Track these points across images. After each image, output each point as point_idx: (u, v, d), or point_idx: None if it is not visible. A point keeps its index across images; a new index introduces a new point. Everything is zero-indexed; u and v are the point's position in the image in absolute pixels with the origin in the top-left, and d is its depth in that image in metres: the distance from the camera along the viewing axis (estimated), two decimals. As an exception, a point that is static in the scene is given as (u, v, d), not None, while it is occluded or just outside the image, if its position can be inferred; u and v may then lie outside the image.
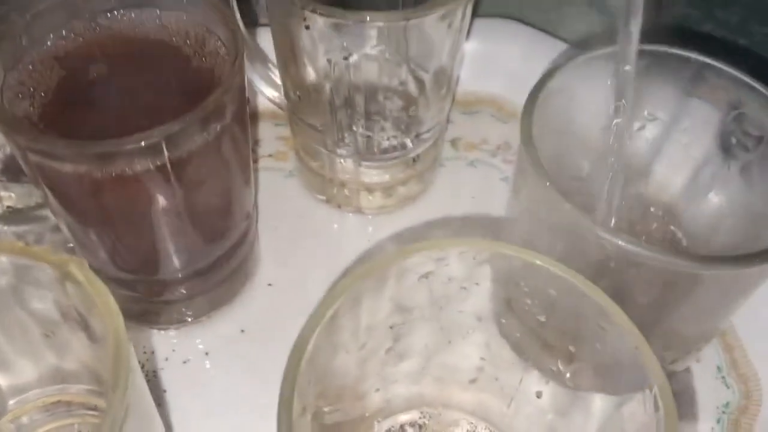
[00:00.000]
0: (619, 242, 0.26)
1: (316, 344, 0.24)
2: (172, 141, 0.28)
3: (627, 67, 0.30)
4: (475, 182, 0.47)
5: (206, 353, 0.38)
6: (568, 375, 0.29)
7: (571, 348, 0.28)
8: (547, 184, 0.28)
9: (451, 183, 0.47)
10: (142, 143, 0.28)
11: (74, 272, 0.24)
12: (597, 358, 0.26)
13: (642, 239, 0.28)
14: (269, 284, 0.41)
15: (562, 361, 0.28)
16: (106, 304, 0.23)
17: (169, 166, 0.29)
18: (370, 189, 0.44)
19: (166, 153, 0.28)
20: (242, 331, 0.39)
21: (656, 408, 0.23)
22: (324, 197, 0.45)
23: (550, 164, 0.29)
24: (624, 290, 0.26)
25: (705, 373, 0.39)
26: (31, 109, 0.31)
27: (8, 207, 0.42)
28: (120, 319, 0.23)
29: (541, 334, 0.28)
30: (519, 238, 0.31)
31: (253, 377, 0.38)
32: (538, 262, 0.26)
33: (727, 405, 0.38)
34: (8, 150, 0.40)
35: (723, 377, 0.39)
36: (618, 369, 0.26)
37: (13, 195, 0.42)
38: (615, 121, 0.31)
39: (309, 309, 0.39)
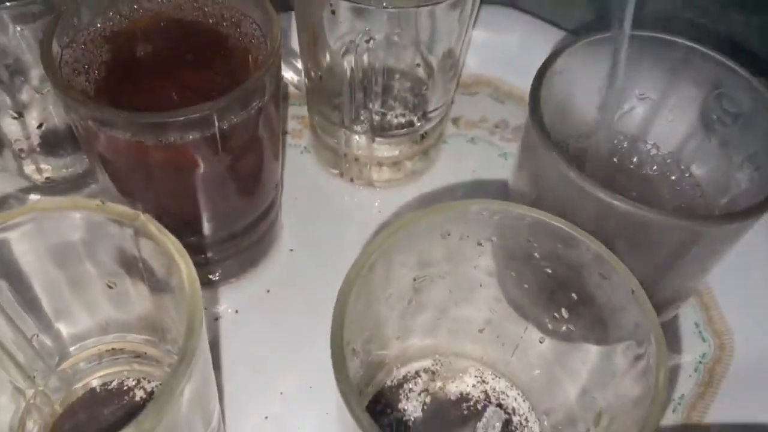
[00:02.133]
0: (617, 203, 0.30)
1: (357, 290, 0.28)
2: (220, 114, 0.32)
3: (618, 47, 0.34)
4: (475, 157, 0.51)
5: (236, 311, 0.42)
6: (570, 322, 0.33)
7: (574, 296, 0.31)
8: (554, 153, 0.32)
9: (453, 158, 0.50)
10: (197, 115, 0.31)
11: (148, 226, 0.27)
12: (597, 303, 0.30)
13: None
14: (291, 249, 0.45)
15: (566, 308, 0.32)
16: (181, 254, 0.27)
17: (217, 136, 0.33)
18: (380, 163, 0.47)
19: (216, 124, 0.32)
20: (268, 291, 0.43)
21: (648, 342, 0.27)
22: (337, 171, 0.49)
23: (553, 136, 0.33)
24: (616, 247, 0.30)
25: (685, 329, 0.44)
26: (87, 83, 0.34)
27: (47, 178, 0.45)
28: (193, 268, 0.27)
29: (546, 285, 0.32)
30: (525, 201, 0.35)
31: (279, 331, 0.41)
32: (546, 219, 0.30)
33: (703, 356, 0.43)
34: (47, 127, 0.43)
35: (700, 332, 0.44)
36: (614, 311, 0.30)
37: (50, 167, 0.45)
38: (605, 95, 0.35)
39: (326, 271, 0.43)
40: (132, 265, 0.30)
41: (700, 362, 0.43)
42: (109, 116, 0.31)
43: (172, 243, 0.27)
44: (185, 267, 0.26)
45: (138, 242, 0.28)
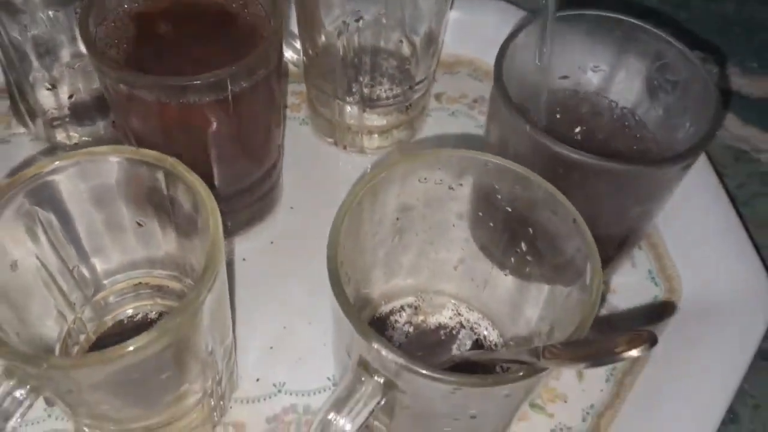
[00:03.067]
0: (570, 153, 0.36)
1: (348, 219, 0.34)
2: (233, 79, 0.38)
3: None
4: (456, 129, 0.57)
5: (243, 259, 0.48)
6: (528, 255, 0.39)
7: (530, 230, 0.37)
8: (513, 111, 0.38)
9: (436, 129, 0.57)
10: (213, 79, 0.37)
11: (177, 167, 0.33)
12: (548, 234, 0.36)
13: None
14: (291, 207, 0.51)
15: (525, 242, 0.38)
16: (204, 188, 0.32)
17: (229, 98, 0.38)
18: (370, 132, 0.53)
19: (229, 88, 0.38)
20: (271, 242, 0.49)
21: (587, 261, 0.33)
22: (332, 140, 0.55)
23: (513, 98, 0.39)
24: (568, 191, 0.36)
25: (639, 275, 0.50)
26: (117, 56, 0.40)
27: (75, 144, 0.51)
28: (213, 199, 0.32)
29: (508, 222, 0.38)
30: (494, 152, 0.41)
31: (282, 276, 0.47)
32: (506, 165, 0.36)
33: (655, 297, 0.49)
34: (76, 98, 0.49)
35: (653, 278, 0.50)
36: (561, 240, 0.36)
37: (77, 135, 0.51)
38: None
39: (323, 226, 0.49)
40: (161, 204, 0.36)
41: (653, 303, 0.49)
42: (139, 80, 0.37)
43: (196, 179, 0.33)
44: (207, 198, 0.32)
45: (167, 182, 0.34)
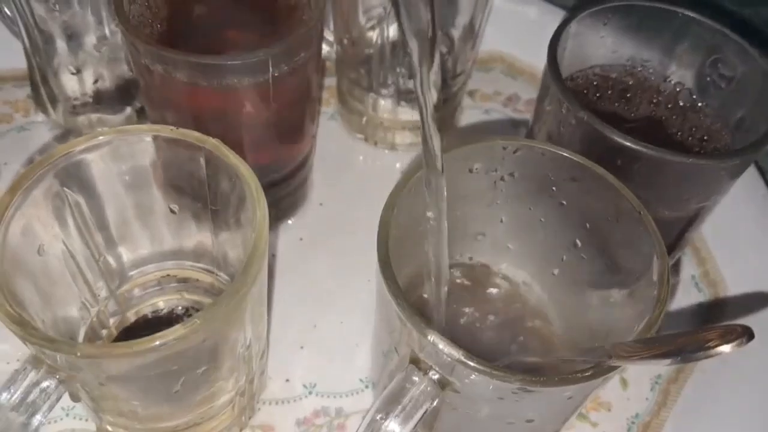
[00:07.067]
0: (630, 143, 0.34)
1: (396, 214, 0.32)
2: (275, 60, 0.36)
3: None
4: (489, 126, 0.55)
5: (273, 255, 0.46)
6: (583, 252, 0.37)
7: (587, 225, 0.35)
8: (569, 96, 0.36)
9: (469, 126, 0.55)
10: (254, 59, 0.35)
11: (220, 147, 0.31)
12: (608, 229, 0.34)
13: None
14: (320, 204, 0.49)
15: (579, 239, 0.36)
16: (246, 168, 0.30)
17: (270, 82, 0.36)
18: (403, 127, 0.51)
19: (270, 70, 0.36)
20: (301, 239, 0.47)
21: (653, 257, 0.31)
22: (362, 136, 0.53)
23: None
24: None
25: (683, 280, 0.48)
26: (152, 35, 0.38)
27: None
28: (257, 179, 0.30)
29: (563, 216, 0.36)
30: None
31: (311, 273, 0.45)
32: (566, 154, 0.34)
33: (699, 304, 0.47)
34: (100, 84, 0.47)
35: (697, 284, 0.48)
36: (622, 234, 0.34)
37: (100, 121, 0.49)
38: None
39: (353, 223, 0.47)
40: (198, 189, 0.34)
41: (698, 308, 0.47)
42: (177, 58, 0.35)
43: (240, 162, 0.31)
44: (252, 180, 0.30)
45: (208, 165, 0.32)
